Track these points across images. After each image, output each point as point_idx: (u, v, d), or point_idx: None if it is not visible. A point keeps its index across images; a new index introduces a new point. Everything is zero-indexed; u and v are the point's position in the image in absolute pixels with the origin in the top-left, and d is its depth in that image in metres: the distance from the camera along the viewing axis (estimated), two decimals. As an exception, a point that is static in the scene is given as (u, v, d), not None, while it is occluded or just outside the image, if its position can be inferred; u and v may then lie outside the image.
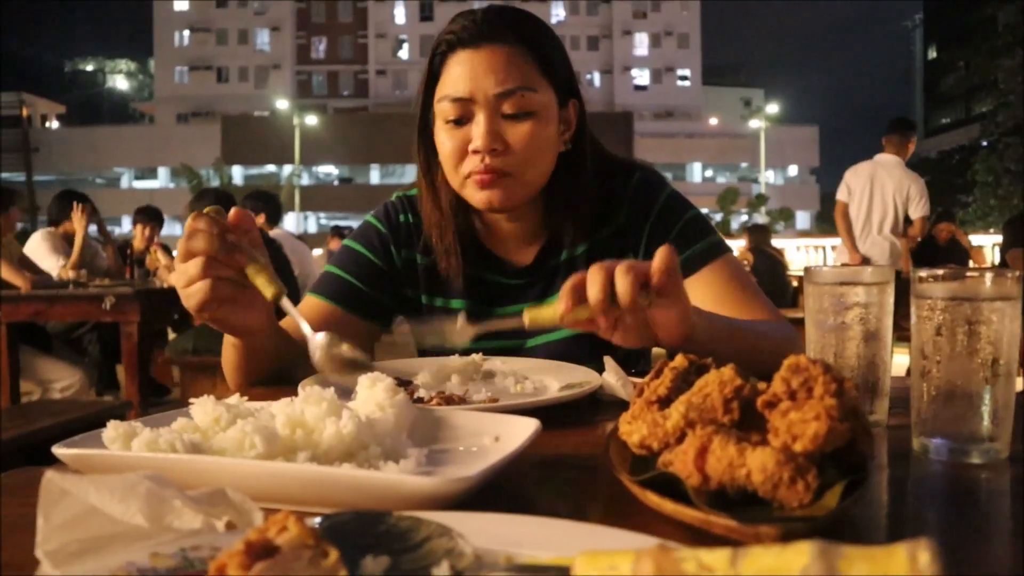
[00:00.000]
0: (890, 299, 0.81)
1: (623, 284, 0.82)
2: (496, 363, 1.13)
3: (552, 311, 0.88)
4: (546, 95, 1.19)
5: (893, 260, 5.44)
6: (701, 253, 1.23)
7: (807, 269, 0.83)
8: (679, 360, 0.65)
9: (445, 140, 1.18)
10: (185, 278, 0.91)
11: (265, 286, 0.89)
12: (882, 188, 5.48)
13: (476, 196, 1.19)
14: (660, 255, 0.84)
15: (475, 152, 1.16)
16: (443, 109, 1.17)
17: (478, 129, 1.15)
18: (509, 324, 0.92)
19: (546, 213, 1.28)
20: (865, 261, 5.41)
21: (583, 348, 1.23)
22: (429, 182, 1.28)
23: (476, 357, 1.13)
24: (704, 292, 1.20)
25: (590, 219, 1.28)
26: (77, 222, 5.13)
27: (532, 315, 0.89)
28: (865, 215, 5.55)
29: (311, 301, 1.29)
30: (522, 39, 1.17)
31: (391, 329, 1.37)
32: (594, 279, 0.84)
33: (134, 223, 5.86)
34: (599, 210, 1.29)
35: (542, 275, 1.31)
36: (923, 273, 0.71)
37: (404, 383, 0.99)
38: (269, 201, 5.73)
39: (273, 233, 5.41)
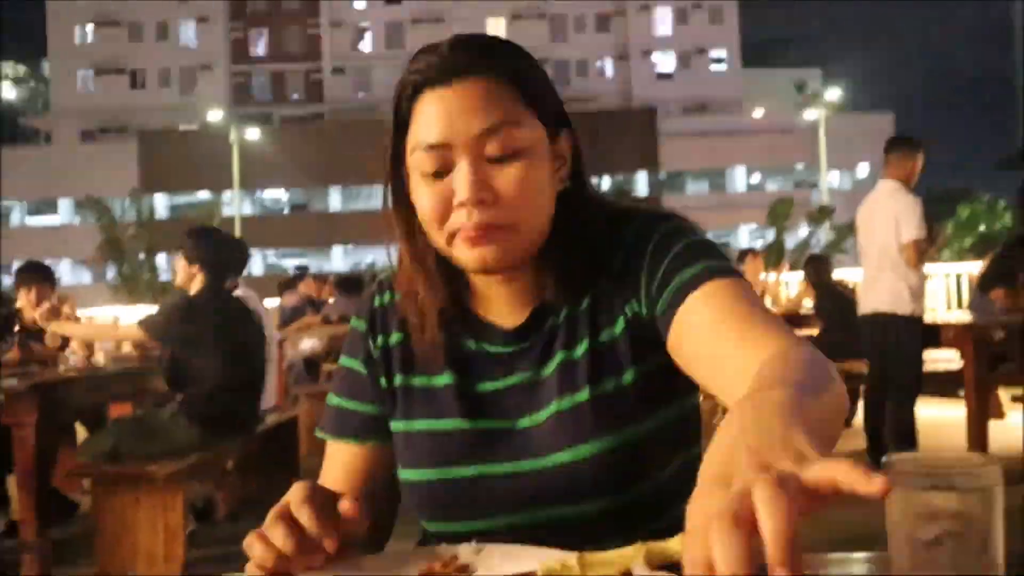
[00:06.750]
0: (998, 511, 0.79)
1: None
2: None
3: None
4: (534, 130, 1.23)
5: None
6: (692, 278, 1.20)
7: (885, 461, 0.81)
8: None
9: (424, 197, 1.22)
10: None
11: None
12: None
13: (467, 255, 1.21)
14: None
15: (460, 206, 1.19)
16: (418, 161, 1.22)
17: (461, 179, 1.18)
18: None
19: (542, 269, 1.30)
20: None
21: (605, 472, 1.23)
22: (411, 246, 1.31)
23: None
24: (695, 320, 1.17)
25: (593, 268, 1.31)
26: None
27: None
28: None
29: (330, 448, 1.37)
30: (498, 69, 1.22)
31: None
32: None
33: (16, 286, 5.69)
34: (600, 258, 1.32)
35: (538, 337, 1.33)
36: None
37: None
38: None
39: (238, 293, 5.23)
